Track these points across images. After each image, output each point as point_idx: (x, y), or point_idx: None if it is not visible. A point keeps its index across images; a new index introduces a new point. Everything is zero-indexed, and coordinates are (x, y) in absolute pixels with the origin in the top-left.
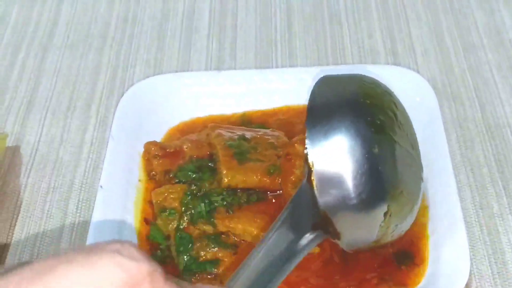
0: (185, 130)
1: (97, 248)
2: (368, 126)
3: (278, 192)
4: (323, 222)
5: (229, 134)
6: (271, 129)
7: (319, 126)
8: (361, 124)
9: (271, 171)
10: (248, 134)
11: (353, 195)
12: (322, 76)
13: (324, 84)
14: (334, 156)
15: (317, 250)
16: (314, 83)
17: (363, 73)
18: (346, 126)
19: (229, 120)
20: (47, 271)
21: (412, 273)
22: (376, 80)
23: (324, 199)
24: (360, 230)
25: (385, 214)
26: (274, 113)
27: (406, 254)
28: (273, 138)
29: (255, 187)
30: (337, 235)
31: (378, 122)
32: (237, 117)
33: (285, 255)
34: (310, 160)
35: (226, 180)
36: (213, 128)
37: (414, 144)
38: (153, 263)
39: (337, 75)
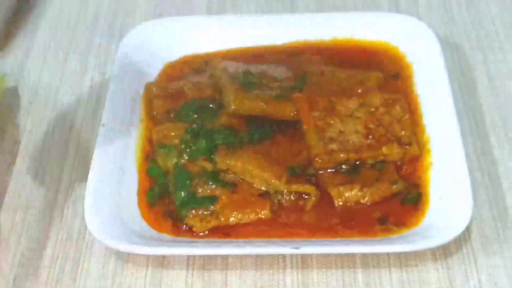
0: (186, 63)
1: None
2: None
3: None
4: None
5: (234, 67)
6: (274, 64)
7: None
8: None
9: (278, 98)
10: (252, 68)
11: None
12: None
13: None
14: None
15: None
16: None
17: (366, 20)
18: None
19: (231, 54)
20: None
21: (413, 214)
22: None
23: None
24: None
25: None
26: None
27: (411, 194)
28: (277, 72)
29: (261, 114)
30: None
31: None
32: (240, 51)
33: None
34: None
35: (233, 105)
36: (218, 62)
37: None
38: None
39: None
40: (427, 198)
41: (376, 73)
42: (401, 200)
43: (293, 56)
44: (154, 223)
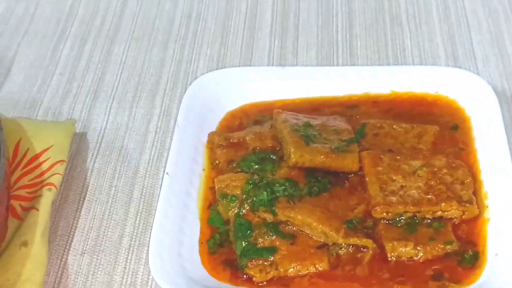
0: (246, 112)
1: None
2: None
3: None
4: None
5: (294, 120)
6: (333, 116)
7: None
8: None
9: (337, 151)
10: (312, 121)
11: None
12: None
13: None
14: None
15: (370, 245)
16: None
17: (425, 73)
18: None
19: (290, 105)
20: None
21: (469, 272)
22: None
23: None
24: None
25: None
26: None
27: (468, 254)
28: (336, 125)
29: (321, 166)
30: None
31: None
32: (299, 102)
33: None
34: None
35: (294, 158)
36: (279, 114)
37: None
38: None
39: None
40: (484, 256)
41: (433, 126)
42: (458, 262)
43: (351, 108)
44: (214, 272)
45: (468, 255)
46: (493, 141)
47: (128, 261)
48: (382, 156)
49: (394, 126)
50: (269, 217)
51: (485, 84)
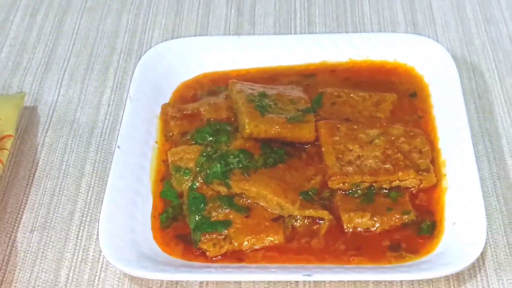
0: (200, 82)
1: None
2: None
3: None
4: None
5: (250, 90)
6: (290, 85)
7: None
8: None
9: (293, 121)
10: (268, 91)
11: None
12: None
13: None
14: None
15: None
16: None
17: (383, 41)
18: None
19: (246, 75)
20: None
21: (427, 241)
22: None
23: None
24: None
25: None
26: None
27: (425, 223)
28: (292, 94)
29: (276, 137)
30: None
31: None
32: (255, 71)
33: None
34: None
35: (248, 129)
36: (234, 84)
37: None
38: None
39: None
40: (442, 225)
41: (391, 94)
42: (416, 232)
43: (308, 77)
44: (166, 247)
45: (426, 224)
46: (451, 108)
47: (79, 237)
48: (339, 126)
49: (352, 95)
50: (223, 190)
51: (443, 51)
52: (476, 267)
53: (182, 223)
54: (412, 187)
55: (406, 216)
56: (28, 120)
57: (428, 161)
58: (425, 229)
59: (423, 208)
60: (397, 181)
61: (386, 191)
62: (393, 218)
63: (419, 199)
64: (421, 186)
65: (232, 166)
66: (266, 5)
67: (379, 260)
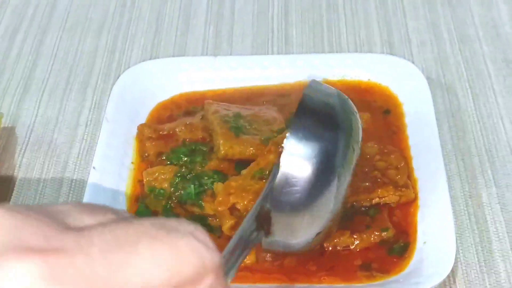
0: (176, 102)
1: (172, 227)
2: (344, 149)
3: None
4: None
5: (225, 111)
6: (265, 106)
7: (301, 131)
8: (339, 143)
9: (267, 142)
10: (243, 111)
11: (302, 206)
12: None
13: (313, 91)
14: (301, 164)
15: None
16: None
17: (358, 61)
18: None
19: (222, 96)
20: (130, 243)
21: (400, 261)
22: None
23: (275, 198)
24: (290, 235)
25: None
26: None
27: (398, 244)
28: (266, 114)
29: (251, 158)
30: (269, 233)
31: (351, 148)
32: (231, 92)
33: (245, 241)
34: (281, 159)
35: (223, 150)
36: (210, 105)
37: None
38: (221, 255)
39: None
40: (414, 245)
41: (365, 114)
42: (388, 251)
43: (282, 96)
44: None
45: (398, 245)
46: (424, 128)
47: None
48: None
49: None
50: (197, 210)
51: (416, 71)
52: (447, 286)
53: None
54: (391, 203)
55: (385, 233)
56: (5, 140)
57: (405, 177)
58: (397, 250)
59: (398, 227)
60: (377, 198)
61: (365, 209)
62: (372, 236)
63: (396, 217)
64: (400, 202)
65: (206, 187)
66: (244, 26)
67: (350, 280)
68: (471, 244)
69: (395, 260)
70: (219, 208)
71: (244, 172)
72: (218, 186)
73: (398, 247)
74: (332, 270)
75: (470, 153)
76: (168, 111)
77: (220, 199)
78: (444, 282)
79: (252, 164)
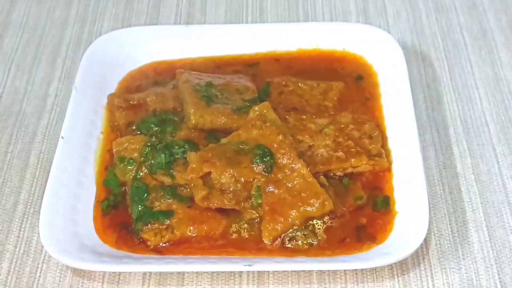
0: (145, 72)
1: None
2: None
3: None
4: None
5: (197, 80)
6: (238, 75)
7: None
8: None
9: (238, 112)
10: (215, 80)
11: None
12: None
13: None
14: None
15: None
16: None
17: (332, 30)
18: None
19: (191, 64)
20: None
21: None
22: None
23: None
24: None
25: None
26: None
27: (381, 198)
28: (239, 84)
29: (222, 128)
30: None
31: None
32: (200, 61)
33: None
34: None
35: (193, 119)
36: (181, 74)
37: None
38: None
39: None
40: (393, 199)
41: (339, 82)
42: (372, 207)
43: (252, 66)
44: (109, 237)
45: (379, 200)
46: (398, 98)
47: (22, 229)
48: (287, 117)
49: (300, 84)
50: (167, 180)
51: (392, 40)
52: (420, 256)
53: (122, 211)
54: (365, 172)
55: (359, 202)
56: None
57: (379, 146)
58: (380, 203)
59: (371, 185)
60: (350, 168)
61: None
62: (347, 205)
63: (366, 178)
64: (374, 171)
65: (177, 157)
66: None
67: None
68: (445, 214)
69: (380, 221)
70: (191, 175)
71: (224, 140)
72: (192, 155)
73: (379, 201)
74: None
75: (445, 123)
76: (136, 81)
77: (194, 166)
78: (416, 252)
79: (233, 134)
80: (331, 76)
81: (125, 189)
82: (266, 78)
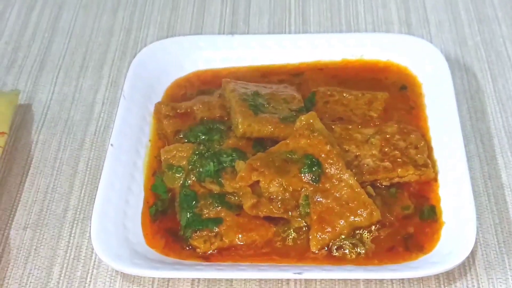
0: (190, 81)
1: None
2: None
3: None
4: None
5: (243, 89)
6: (283, 84)
7: None
8: None
9: (285, 121)
10: (261, 90)
11: None
12: None
13: None
14: None
15: None
16: None
17: (376, 41)
18: None
19: (236, 74)
20: None
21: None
22: None
23: None
24: None
25: None
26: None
27: (425, 207)
28: (285, 93)
29: (269, 137)
30: None
31: None
32: (245, 70)
33: None
34: None
35: (241, 128)
36: (227, 83)
37: None
38: None
39: None
40: (439, 208)
41: (383, 93)
42: (419, 216)
43: (296, 75)
44: (157, 243)
45: (426, 208)
46: (443, 108)
47: (72, 235)
48: (333, 126)
49: (345, 94)
50: (215, 188)
51: (436, 51)
52: (466, 266)
53: (170, 218)
54: (411, 182)
55: (406, 211)
56: (22, 117)
57: (425, 156)
58: (427, 213)
59: (417, 194)
60: (397, 178)
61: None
62: (395, 214)
63: (413, 187)
64: (420, 181)
65: (225, 165)
66: (261, 4)
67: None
68: (491, 225)
69: (427, 230)
70: (240, 183)
71: (272, 149)
72: (240, 164)
73: (426, 210)
74: None
75: (489, 134)
76: (182, 89)
77: (243, 174)
78: (463, 262)
79: (282, 143)
80: (375, 86)
81: (171, 195)
82: (311, 88)
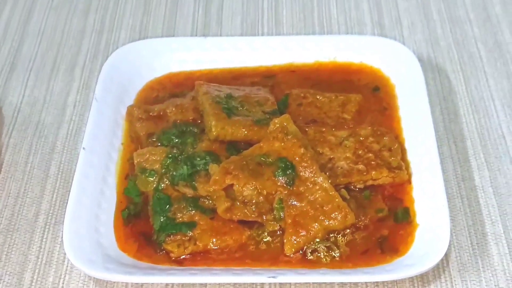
0: (163, 83)
1: None
2: None
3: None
4: None
5: (216, 92)
6: (256, 87)
7: None
8: None
9: (259, 124)
10: (234, 92)
11: None
12: None
13: None
14: None
15: None
16: None
17: (350, 43)
18: None
19: (208, 76)
20: None
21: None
22: None
23: None
24: None
25: None
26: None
27: (399, 209)
28: (258, 95)
29: (243, 140)
30: None
31: None
32: (218, 72)
33: None
34: None
35: (215, 131)
36: (200, 86)
37: None
38: None
39: None
40: (413, 209)
41: (357, 95)
42: (393, 218)
43: (269, 78)
44: (130, 247)
45: (400, 211)
46: (416, 110)
47: (44, 240)
48: (307, 129)
49: (318, 96)
50: (189, 191)
51: (409, 53)
52: (440, 268)
53: (142, 221)
54: (385, 185)
55: (380, 214)
56: None
57: (399, 158)
58: (401, 215)
59: (391, 197)
60: (371, 181)
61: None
62: (369, 217)
63: (387, 190)
64: (394, 183)
65: (198, 168)
66: (234, 5)
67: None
68: (464, 227)
69: (402, 233)
70: (214, 187)
71: (245, 152)
72: (214, 167)
73: (400, 212)
74: None
75: (462, 135)
76: (155, 91)
77: (217, 178)
78: (437, 265)
79: (255, 146)
80: (348, 88)
81: (144, 198)
82: (284, 90)
